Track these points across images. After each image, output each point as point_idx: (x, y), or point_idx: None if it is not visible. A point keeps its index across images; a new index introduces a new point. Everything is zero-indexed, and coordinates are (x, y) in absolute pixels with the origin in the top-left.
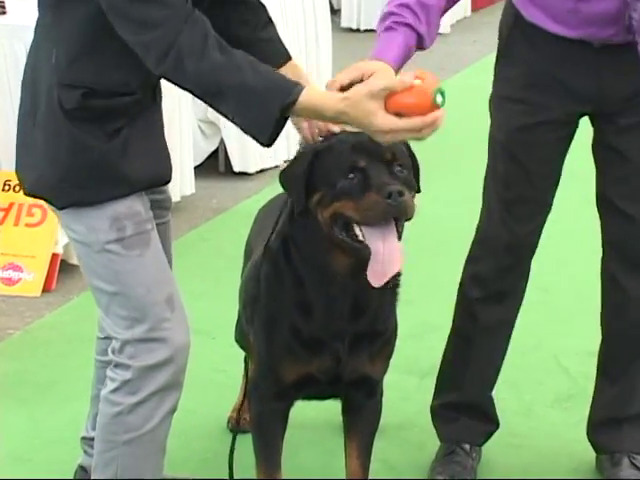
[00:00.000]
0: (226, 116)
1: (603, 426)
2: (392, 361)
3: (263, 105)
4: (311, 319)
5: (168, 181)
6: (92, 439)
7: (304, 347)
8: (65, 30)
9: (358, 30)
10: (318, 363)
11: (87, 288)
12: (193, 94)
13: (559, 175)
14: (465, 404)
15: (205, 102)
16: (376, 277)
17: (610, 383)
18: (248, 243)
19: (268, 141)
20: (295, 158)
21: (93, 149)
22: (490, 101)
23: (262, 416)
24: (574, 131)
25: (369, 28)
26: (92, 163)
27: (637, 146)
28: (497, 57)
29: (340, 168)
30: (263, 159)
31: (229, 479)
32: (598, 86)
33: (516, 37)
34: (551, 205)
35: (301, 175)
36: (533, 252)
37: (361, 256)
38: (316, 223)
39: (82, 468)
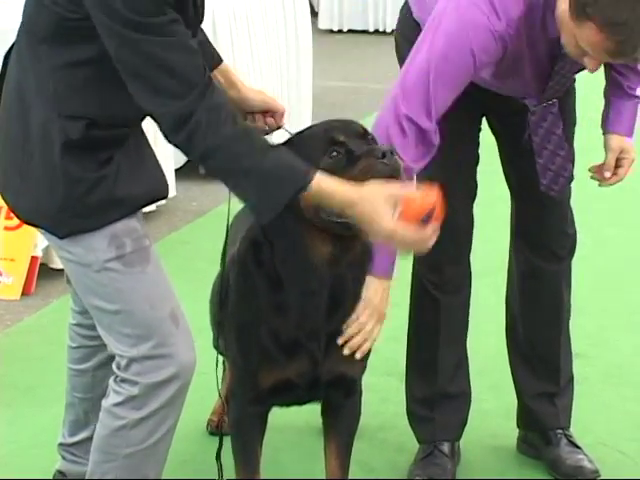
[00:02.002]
0: (232, 191)
1: (535, 401)
2: (372, 363)
3: (276, 191)
4: (287, 320)
5: (166, 196)
6: (70, 445)
7: (281, 352)
8: (65, 62)
9: (340, 31)
10: (296, 367)
11: (67, 291)
12: (204, 167)
13: (477, 159)
14: (438, 394)
15: (213, 176)
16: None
17: (531, 362)
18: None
19: (270, 221)
20: None
21: (87, 179)
22: None
23: (240, 421)
24: (482, 114)
25: (351, 29)
26: (88, 192)
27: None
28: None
29: (319, 147)
30: None
31: None
32: (497, 103)
33: None
34: (476, 189)
35: None
36: (470, 237)
37: (353, 233)
38: (295, 215)
39: (60, 473)
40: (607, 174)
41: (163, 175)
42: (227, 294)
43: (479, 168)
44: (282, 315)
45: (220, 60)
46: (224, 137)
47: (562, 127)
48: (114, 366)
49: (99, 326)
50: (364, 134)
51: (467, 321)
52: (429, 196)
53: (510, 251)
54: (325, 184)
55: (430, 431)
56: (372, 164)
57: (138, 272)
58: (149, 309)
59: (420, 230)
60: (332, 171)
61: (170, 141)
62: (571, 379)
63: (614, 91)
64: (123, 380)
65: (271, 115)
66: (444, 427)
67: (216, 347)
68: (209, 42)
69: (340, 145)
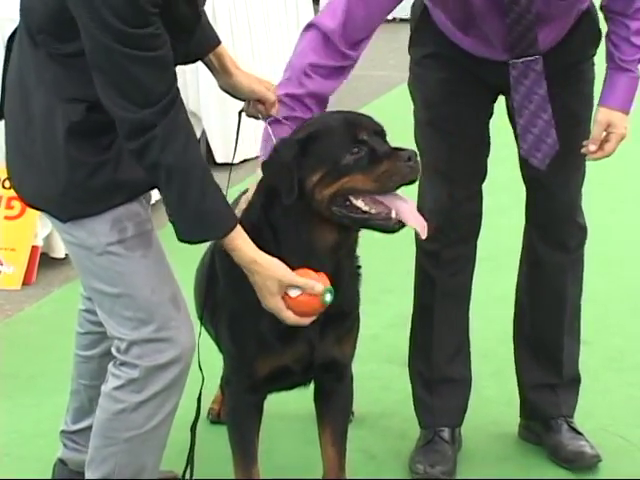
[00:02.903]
0: (164, 202)
1: (536, 391)
2: (373, 350)
3: (198, 229)
4: None
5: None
6: (72, 432)
7: (278, 339)
8: (62, 53)
9: None
10: (293, 353)
11: (68, 280)
12: (147, 175)
13: (486, 142)
14: (437, 378)
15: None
16: (421, 227)
17: (533, 352)
18: None
19: (184, 242)
20: (276, 150)
21: (88, 164)
22: (408, 84)
23: (237, 410)
24: (493, 99)
25: None
26: (89, 176)
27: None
28: (409, 42)
29: (341, 144)
30: (246, 149)
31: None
32: (502, 79)
33: (424, 29)
34: (485, 173)
35: (291, 163)
36: (475, 221)
37: (370, 225)
38: (303, 205)
39: (61, 461)
40: (591, 147)
41: None
42: (214, 282)
43: (500, 154)
44: None
45: (217, 42)
46: (174, 161)
47: (546, 88)
48: (113, 350)
49: (100, 309)
50: (382, 132)
51: (467, 306)
52: (314, 302)
53: (523, 239)
54: (237, 241)
55: (430, 416)
56: (398, 167)
57: (139, 256)
58: (150, 293)
59: (293, 316)
60: (354, 169)
61: (125, 145)
62: (577, 378)
63: (609, 64)
64: (123, 363)
65: (262, 103)
66: (443, 412)
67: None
68: (209, 24)
69: (363, 143)
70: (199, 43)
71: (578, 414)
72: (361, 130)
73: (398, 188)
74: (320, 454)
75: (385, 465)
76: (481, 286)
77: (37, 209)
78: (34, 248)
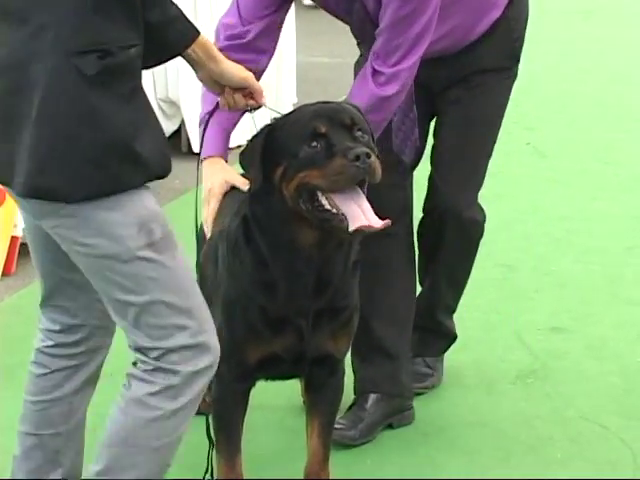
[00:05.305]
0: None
1: None
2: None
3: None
4: (274, 297)
5: (167, 173)
6: None
7: (268, 326)
8: (54, 9)
9: None
10: (282, 341)
11: None
12: None
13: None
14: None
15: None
16: (363, 227)
17: None
18: (201, 228)
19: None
20: (253, 137)
21: (112, 117)
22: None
23: (224, 398)
24: (431, 100)
25: None
26: (110, 134)
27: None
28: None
29: (301, 136)
30: (239, 136)
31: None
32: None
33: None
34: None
35: (258, 150)
36: (402, 205)
37: (329, 226)
38: (279, 199)
39: None
40: None
41: (169, 152)
42: (204, 267)
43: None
44: (269, 292)
45: (198, 33)
46: None
47: (413, 91)
48: (139, 355)
49: (122, 321)
50: (351, 125)
51: (390, 282)
52: None
53: None
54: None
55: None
56: (345, 166)
57: (170, 258)
58: (186, 297)
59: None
60: (310, 164)
61: None
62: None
63: None
64: (156, 369)
65: (250, 95)
66: (368, 379)
67: None
68: (185, 16)
69: (321, 137)
70: (175, 38)
71: (558, 402)
72: (322, 123)
73: (359, 185)
74: (298, 443)
75: (364, 452)
76: None
77: (37, 197)
78: (14, 238)
